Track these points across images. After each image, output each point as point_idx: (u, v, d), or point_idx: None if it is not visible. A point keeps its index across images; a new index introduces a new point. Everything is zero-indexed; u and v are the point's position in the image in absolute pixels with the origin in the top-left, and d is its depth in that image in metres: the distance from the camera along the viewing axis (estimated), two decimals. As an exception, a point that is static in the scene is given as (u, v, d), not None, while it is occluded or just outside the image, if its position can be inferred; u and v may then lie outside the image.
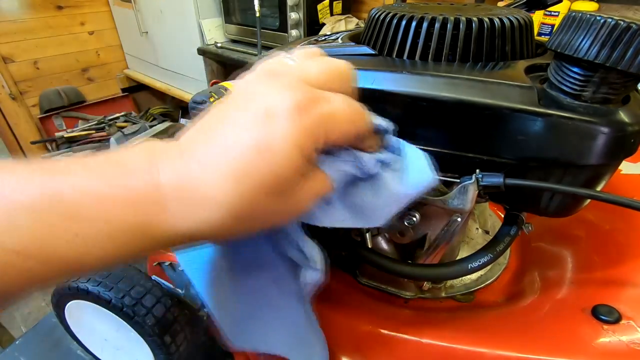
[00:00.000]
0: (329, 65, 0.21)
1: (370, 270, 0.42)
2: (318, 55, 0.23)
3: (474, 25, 0.28)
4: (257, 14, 1.28)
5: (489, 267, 0.42)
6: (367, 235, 0.37)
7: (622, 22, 0.20)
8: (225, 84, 0.48)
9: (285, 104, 0.18)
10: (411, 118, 0.27)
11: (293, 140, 0.17)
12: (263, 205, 0.18)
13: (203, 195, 0.17)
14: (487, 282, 0.42)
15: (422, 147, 0.28)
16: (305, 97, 0.18)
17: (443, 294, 0.41)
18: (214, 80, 0.51)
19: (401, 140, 0.25)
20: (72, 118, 2.13)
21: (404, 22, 0.30)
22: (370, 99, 0.28)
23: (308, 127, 0.18)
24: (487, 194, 0.29)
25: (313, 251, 0.24)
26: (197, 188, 0.17)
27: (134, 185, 0.16)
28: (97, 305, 0.44)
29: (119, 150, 0.18)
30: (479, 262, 0.31)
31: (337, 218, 0.23)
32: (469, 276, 0.42)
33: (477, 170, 0.27)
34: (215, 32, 1.64)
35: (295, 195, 0.19)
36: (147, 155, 0.18)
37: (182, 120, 2.22)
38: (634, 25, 0.20)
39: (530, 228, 0.34)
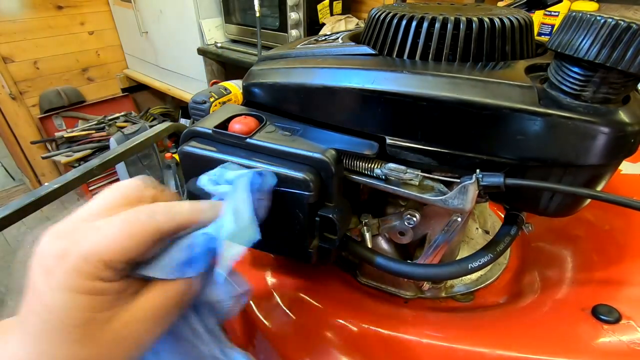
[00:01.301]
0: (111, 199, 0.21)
1: (370, 270, 0.42)
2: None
3: (474, 25, 0.28)
4: (257, 14, 1.28)
5: (489, 267, 0.42)
6: (367, 235, 0.37)
7: (622, 22, 0.20)
8: (225, 84, 0.48)
9: (34, 269, 0.19)
10: (411, 118, 0.27)
11: (52, 291, 0.18)
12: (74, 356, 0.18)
13: None
14: (487, 282, 0.42)
15: (422, 147, 0.28)
16: (55, 248, 0.19)
17: (443, 294, 0.41)
18: (214, 80, 0.51)
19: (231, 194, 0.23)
20: (72, 118, 2.13)
21: (404, 22, 0.30)
22: (370, 99, 0.28)
23: (65, 271, 0.18)
24: (487, 193, 0.29)
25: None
26: None
27: None
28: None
29: None
30: (479, 262, 0.31)
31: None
32: (469, 276, 0.42)
33: (477, 170, 0.27)
34: (215, 32, 1.64)
35: (113, 327, 0.19)
36: None
37: (182, 120, 2.22)
38: (634, 25, 0.20)
39: (530, 228, 0.34)
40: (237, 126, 0.32)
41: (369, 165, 0.31)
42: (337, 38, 0.38)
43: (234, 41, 1.64)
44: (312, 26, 1.38)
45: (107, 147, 1.96)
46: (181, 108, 2.31)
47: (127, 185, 0.22)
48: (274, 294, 0.40)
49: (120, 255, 0.19)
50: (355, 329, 0.35)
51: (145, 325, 0.20)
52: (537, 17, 1.10)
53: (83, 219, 0.20)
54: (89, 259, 0.18)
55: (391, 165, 0.30)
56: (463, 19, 0.28)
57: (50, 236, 0.19)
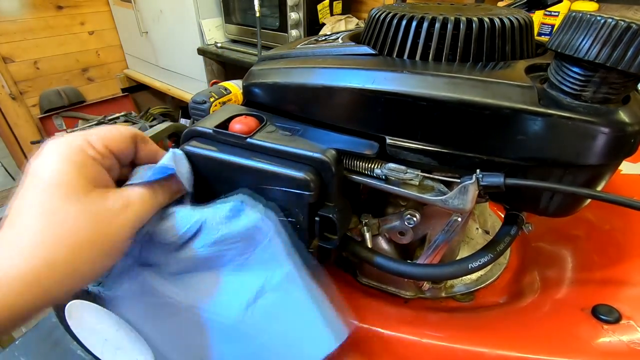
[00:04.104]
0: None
1: (370, 270, 0.42)
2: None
3: (474, 25, 0.28)
4: (257, 14, 1.28)
5: (489, 267, 0.42)
6: (367, 235, 0.37)
7: (622, 22, 0.20)
8: (225, 84, 0.48)
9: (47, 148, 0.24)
10: (411, 118, 0.27)
11: (57, 162, 0.23)
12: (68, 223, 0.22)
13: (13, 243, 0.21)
14: (487, 282, 0.42)
15: (422, 147, 0.28)
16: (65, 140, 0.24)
17: (443, 294, 0.41)
18: (214, 80, 0.51)
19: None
20: (72, 118, 2.13)
21: (404, 22, 0.30)
22: (370, 99, 0.28)
23: (67, 145, 0.24)
24: (487, 193, 0.29)
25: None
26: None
27: None
28: (97, 305, 0.44)
29: None
30: (479, 262, 0.31)
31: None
32: (469, 276, 0.42)
33: (477, 170, 0.27)
34: (215, 32, 1.64)
35: (110, 197, 0.24)
36: None
37: (182, 120, 2.22)
38: (634, 25, 0.20)
39: (530, 228, 0.34)
40: (238, 126, 0.32)
41: (369, 165, 0.31)
42: (337, 38, 0.38)
43: (234, 41, 1.64)
44: (312, 26, 1.38)
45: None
46: (181, 108, 2.30)
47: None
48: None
49: (111, 142, 0.26)
50: (355, 329, 0.35)
51: (130, 214, 0.25)
52: (537, 17, 1.10)
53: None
54: (91, 141, 0.25)
55: (391, 165, 0.30)
56: (463, 19, 0.28)
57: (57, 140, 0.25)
